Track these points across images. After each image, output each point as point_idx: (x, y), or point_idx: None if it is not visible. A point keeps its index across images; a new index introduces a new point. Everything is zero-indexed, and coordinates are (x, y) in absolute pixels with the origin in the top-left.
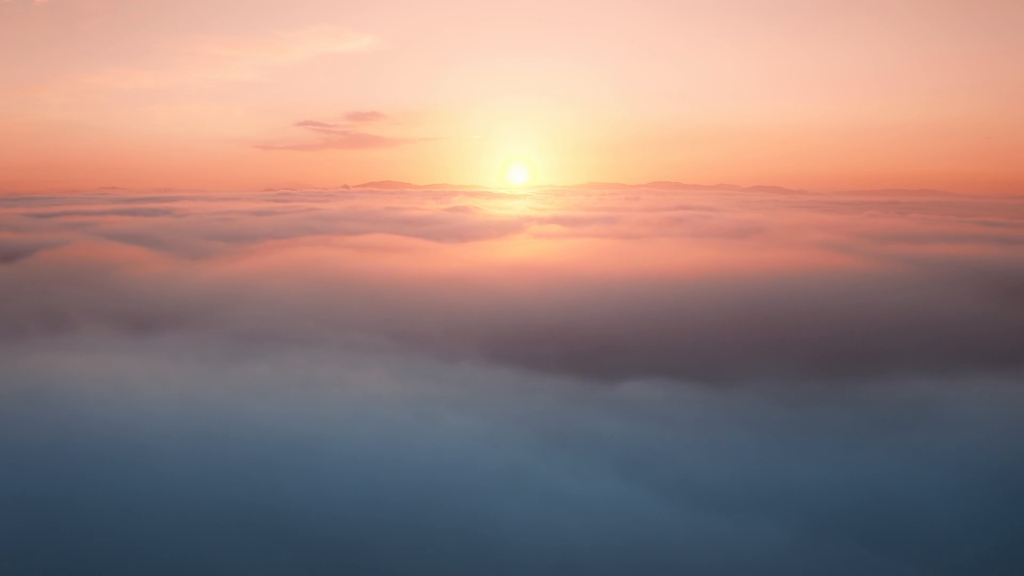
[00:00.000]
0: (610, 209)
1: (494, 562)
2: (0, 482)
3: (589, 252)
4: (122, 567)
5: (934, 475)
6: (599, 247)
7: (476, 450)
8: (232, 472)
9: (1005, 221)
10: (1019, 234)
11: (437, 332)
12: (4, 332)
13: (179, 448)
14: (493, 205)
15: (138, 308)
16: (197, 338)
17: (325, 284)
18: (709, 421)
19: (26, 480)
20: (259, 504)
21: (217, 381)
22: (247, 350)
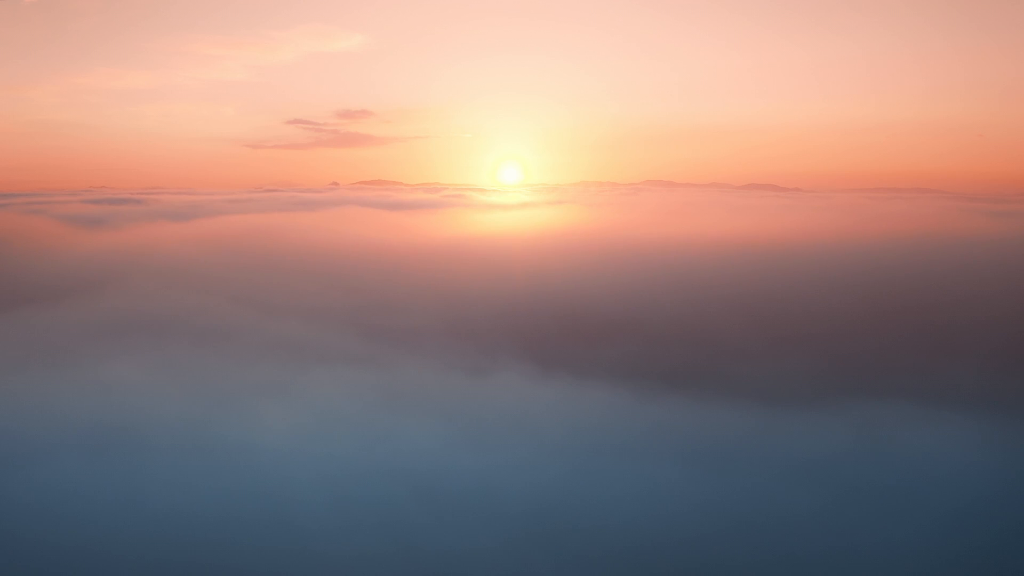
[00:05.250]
0: (614, 201)
1: None
2: None
3: (634, 216)
4: None
5: None
6: (644, 213)
7: None
8: None
9: None
10: None
11: (436, 325)
12: None
13: None
14: (489, 198)
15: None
16: (37, 325)
17: (266, 256)
18: None
19: None
20: None
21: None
22: (97, 344)
